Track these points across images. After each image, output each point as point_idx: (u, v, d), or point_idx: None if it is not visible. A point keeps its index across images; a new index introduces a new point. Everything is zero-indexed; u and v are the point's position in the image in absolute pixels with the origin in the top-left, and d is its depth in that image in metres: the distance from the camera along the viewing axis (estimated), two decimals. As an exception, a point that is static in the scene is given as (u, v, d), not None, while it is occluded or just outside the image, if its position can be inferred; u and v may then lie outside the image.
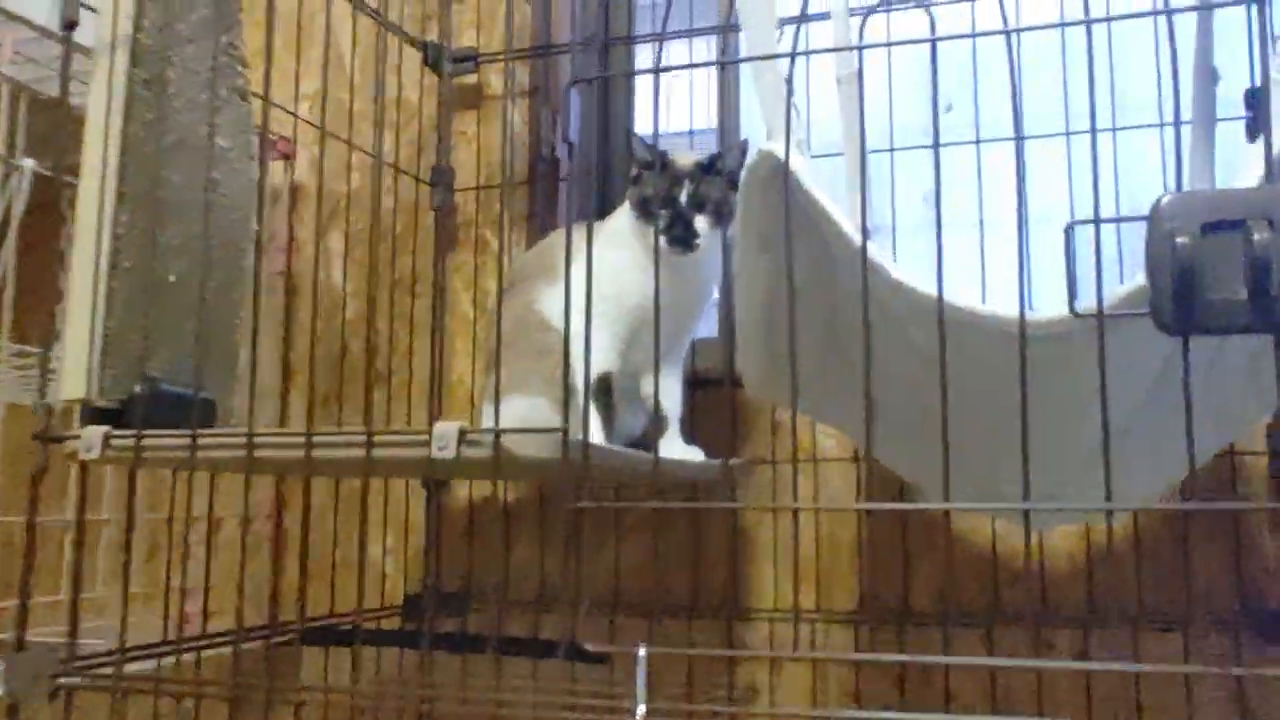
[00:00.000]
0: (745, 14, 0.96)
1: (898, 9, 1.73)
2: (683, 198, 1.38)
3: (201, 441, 1.06)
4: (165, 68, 1.22)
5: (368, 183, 1.96)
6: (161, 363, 1.21)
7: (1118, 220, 0.82)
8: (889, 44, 1.46)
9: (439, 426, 0.96)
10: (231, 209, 1.31)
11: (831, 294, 1.09)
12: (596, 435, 1.42)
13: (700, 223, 1.38)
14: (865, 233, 0.85)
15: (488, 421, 1.53)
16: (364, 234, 2.00)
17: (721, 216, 1.38)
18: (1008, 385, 0.95)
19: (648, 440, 1.53)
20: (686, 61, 1.86)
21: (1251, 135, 1.56)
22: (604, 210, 1.96)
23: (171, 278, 1.22)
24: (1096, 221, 0.82)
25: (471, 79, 1.97)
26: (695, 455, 1.49)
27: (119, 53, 1.18)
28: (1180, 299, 0.78)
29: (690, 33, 1.84)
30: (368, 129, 1.99)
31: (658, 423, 1.48)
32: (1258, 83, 1.57)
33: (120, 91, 1.17)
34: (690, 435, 1.56)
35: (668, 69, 0.89)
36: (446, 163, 1.93)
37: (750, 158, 1.04)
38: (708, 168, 1.40)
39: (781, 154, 0.99)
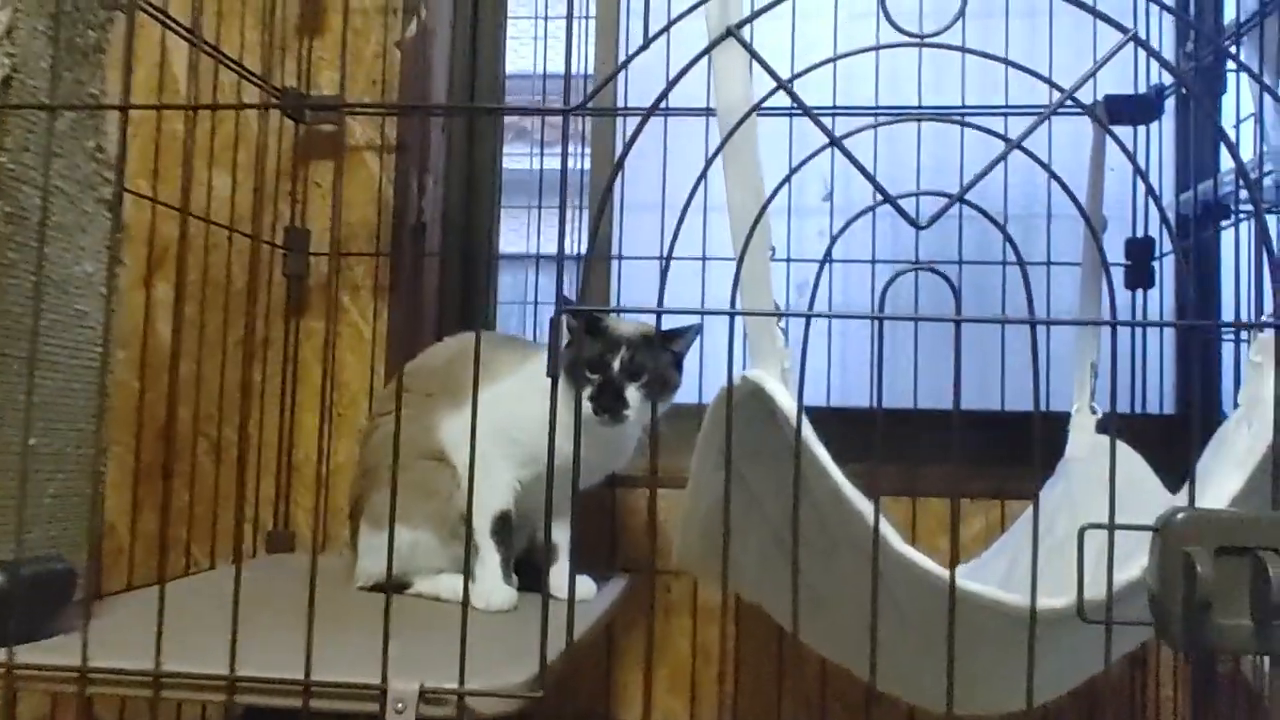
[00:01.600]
0: (740, 239, 0.90)
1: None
2: (616, 365, 1.29)
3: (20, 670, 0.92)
4: (27, 194, 1.03)
5: (204, 229, 1.76)
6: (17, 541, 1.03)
7: (1131, 528, 0.82)
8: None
9: (396, 687, 0.87)
10: (92, 345, 1.13)
11: (791, 511, 1.05)
12: (498, 576, 1.34)
13: (632, 393, 1.30)
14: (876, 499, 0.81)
15: (367, 550, 1.42)
16: (195, 288, 1.80)
17: (656, 390, 1.31)
18: (976, 640, 0.95)
19: (535, 559, 1.46)
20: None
21: (1130, 284, 1.63)
22: (470, 290, 1.85)
23: (31, 441, 1.04)
24: (1111, 528, 0.82)
25: (330, 127, 1.79)
26: (586, 588, 1.43)
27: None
28: (1191, 623, 0.79)
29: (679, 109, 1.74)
30: (202, 167, 1.79)
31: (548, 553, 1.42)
32: (1139, 234, 1.65)
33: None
34: (577, 554, 1.50)
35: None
36: (302, 224, 1.75)
37: (733, 380, 0.98)
38: (657, 340, 1.32)
39: (766, 385, 0.94)
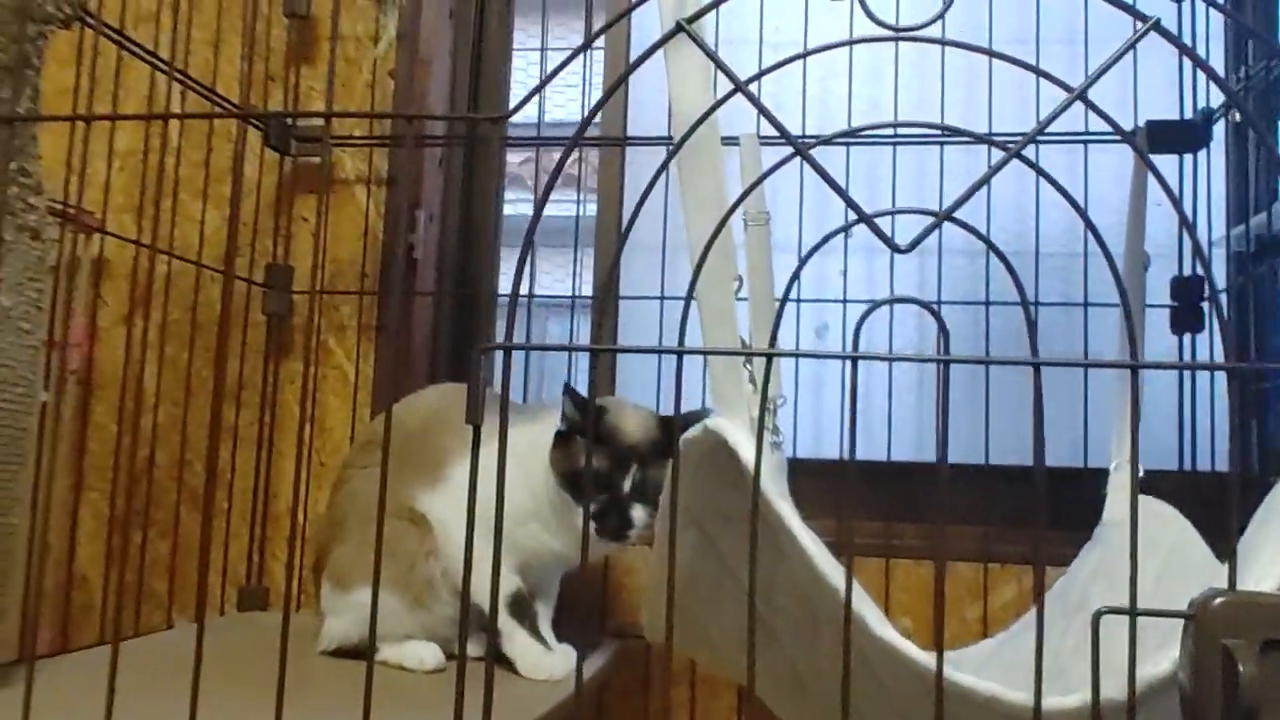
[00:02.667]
0: (698, 264, 0.77)
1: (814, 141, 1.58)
2: (626, 485, 1.16)
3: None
4: (-72, 217, 0.94)
5: (187, 268, 1.67)
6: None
7: (1156, 614, 0.68)
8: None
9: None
10: (10, 385, 1.04)
11: (767, 581, 0.92)
12: (536, 647, 1.23)
13: (638, 512, 1.17)
14: (849, 569, 0.68)
15: (330, 611, 1.30)
16: (179, 327, 1.71)
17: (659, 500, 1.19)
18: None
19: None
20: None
21: (1175, 327, 1.48)
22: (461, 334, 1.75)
23: (-75, 490, 0.94)
24: (1133, 613, 0.67)
25: (318, 160, 1.70)
26: (556, 665, 1.29)
27: None
28: (1233, 732, 0.64)
29: (592, 140, 1.64)
30: (191, 201, 1.72)
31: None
32: (1184, 271, 1.49)
33: None
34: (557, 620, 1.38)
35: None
36: (285, 261, 1.66)
37: (694, 430, 0.85)
38: (658, 444, 1.19)
39: (730, 437, 0.81)
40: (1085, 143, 1.48)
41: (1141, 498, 1.25)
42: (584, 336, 1.81)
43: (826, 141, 0.74)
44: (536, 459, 1.22)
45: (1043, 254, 1.61)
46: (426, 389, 1.41)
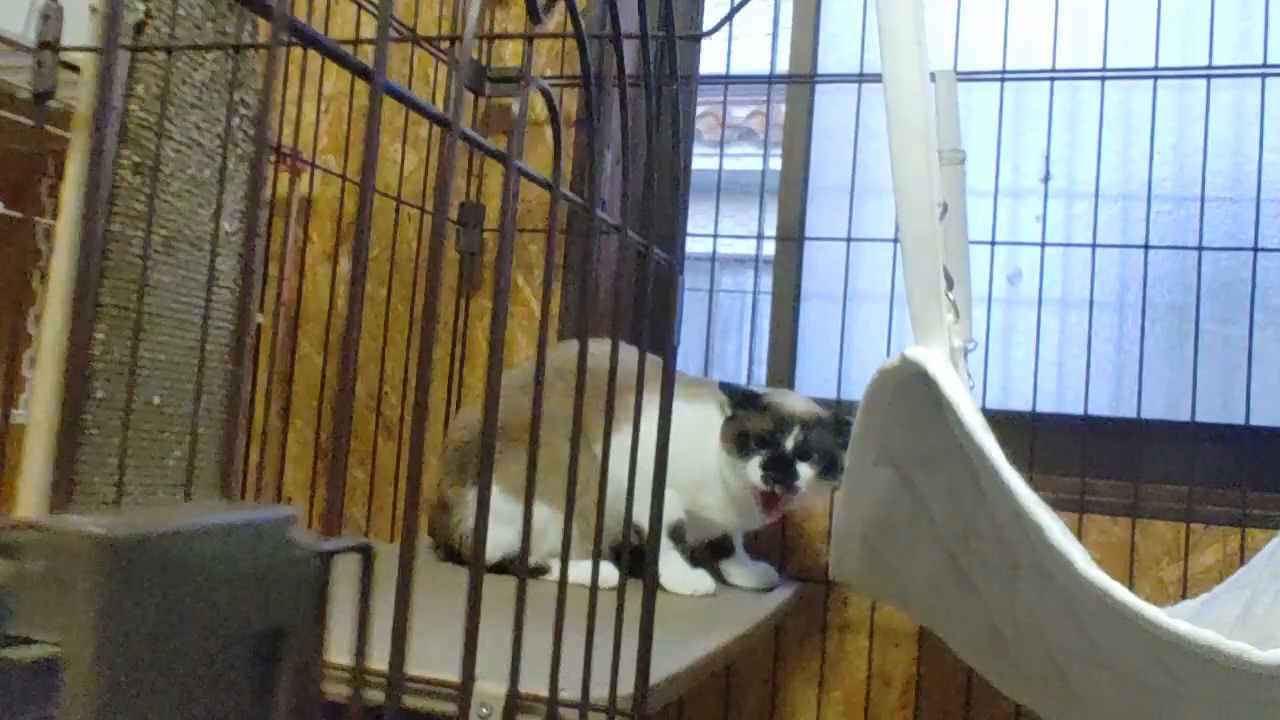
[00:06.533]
0: (901, 188, 0.75)
1: (1013, 78, 1.51)
2: (788, 443, 1.23)
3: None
4: (161, 144, 1.00)
5: (386, 206, 1.74)
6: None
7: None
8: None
9: (482, 689, 0.77)
10: (230, 306, 1.10)
11: (966, 524, 0.89)
12: (685, 566, 1.31)
13: (804, 469, 1.22)
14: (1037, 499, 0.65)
15: (499, 517, 1.33)
16: (377, 263, 1.78)
17: (829, 470, 1.23)
18: (1178, 696, 0.76)
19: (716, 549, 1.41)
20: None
21: None
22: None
23: (155, 400, 1.01)
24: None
25: (510, 100, 1.73)
26: (767, 576, 1.39)
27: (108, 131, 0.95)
28: None
29: (781, 77, 1.61)
30: (390, 143, 1.78)
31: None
32: None
33: (105, 181, 0.95)
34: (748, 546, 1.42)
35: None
36: (478, 199, 1.70)
37: (891, 359, 0.83)
38: (830, 424, 1.26)
39: (929, 366, 0.79)
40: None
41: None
42: (766, 288, 1.79)
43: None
44: (713, 443, 1.30)
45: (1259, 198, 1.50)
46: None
